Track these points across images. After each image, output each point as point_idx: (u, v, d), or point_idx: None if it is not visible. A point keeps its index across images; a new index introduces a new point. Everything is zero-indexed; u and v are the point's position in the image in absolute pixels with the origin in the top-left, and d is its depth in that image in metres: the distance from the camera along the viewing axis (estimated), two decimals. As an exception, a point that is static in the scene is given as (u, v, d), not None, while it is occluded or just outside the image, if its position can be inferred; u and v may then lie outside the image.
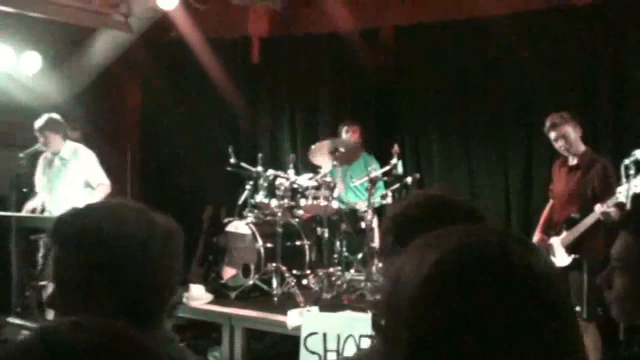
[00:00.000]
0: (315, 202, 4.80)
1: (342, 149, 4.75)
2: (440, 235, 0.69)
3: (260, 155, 5.15)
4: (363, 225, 4.84)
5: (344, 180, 5.32)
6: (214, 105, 6.50)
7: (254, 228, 4.97)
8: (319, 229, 4.98)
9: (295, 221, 5.18)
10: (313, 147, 4.86)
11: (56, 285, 1.07)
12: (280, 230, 4.76)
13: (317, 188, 4.83)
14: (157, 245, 1.06)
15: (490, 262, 0.64)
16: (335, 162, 4.84)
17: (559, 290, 0.65)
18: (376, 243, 4.95)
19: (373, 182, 4.70)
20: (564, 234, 3.80)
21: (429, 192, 1.23)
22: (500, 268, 0.63)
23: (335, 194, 4.89)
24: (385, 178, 4.93)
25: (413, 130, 5.88)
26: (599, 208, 3.54)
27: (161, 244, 1.07)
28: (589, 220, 3.59)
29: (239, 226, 5.08)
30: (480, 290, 0.62)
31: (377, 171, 4.80)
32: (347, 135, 5.38)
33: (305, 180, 4.93)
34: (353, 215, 5.09)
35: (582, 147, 3.85)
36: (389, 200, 4.95)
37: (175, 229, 1.11)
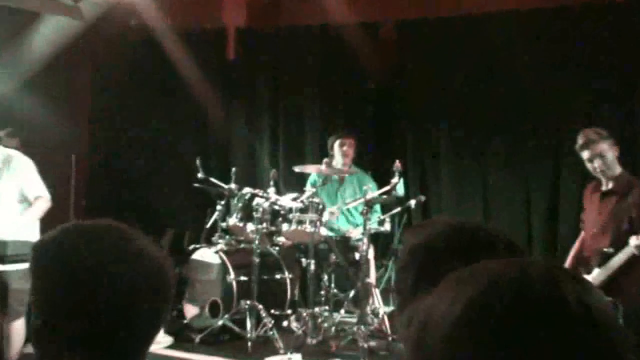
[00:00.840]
0: (300, 227, 4.80)
1: (334, 177, 4.85)
2: (477, 269, 0.69)
3: (234, 169, 5.15)
4: (357, 256, 4.84)
5: (333, 201, 5.37)
6: (181, 108, 6.57)
7: (224, 257, 4.96)
8: (303, 260, 4.99)
9: (275, 250, 5.19)
10: (297, 168, 4.93)
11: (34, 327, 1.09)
12: (257, 260, 4.75)
13: (303, 211, 4.81)
14: (147, 288, 1.07)
15: (539, 300, 0.64)
16: (322, 180, 4.94)
17: (623, 339, 0.64)
18: (372, 278, 5.06)
19: (369, 204, 4.68)
20: (596, 271, 3.76)
21: (455, 220, 1.21)
22: (550, 308, 0.63)
23: (325, 218, 4.89)
24: (384, 200, 4.91)
25: (418, 143, 5.92)
26: (634, 241, 3.54)
27: (152, 286, 1.08)
28: (623, 256, 3.58)
29: (207, 254, 5.07)
30: (528, 334, 0.62)
31: (374, 192, 4.82)
32: (341, 150, 5.40)
33: (288, 200, 4.93)
34: (345, 244, 5.09)
35: (618, 170, 3.83)
36: (387, 227, 4.97)
37: (168, 263, 1.12)
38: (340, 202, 5.34)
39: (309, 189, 5.06)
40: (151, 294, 1.08)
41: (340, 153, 5.34)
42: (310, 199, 4.86)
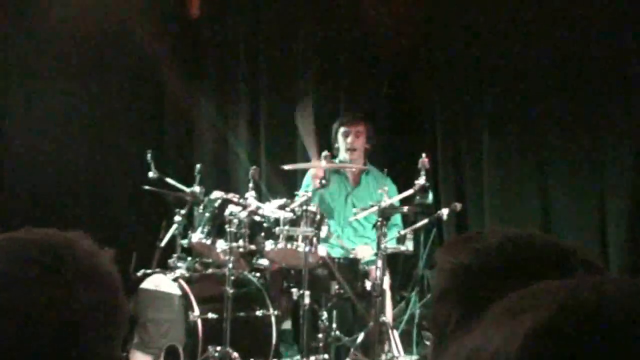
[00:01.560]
0: (289, 246, 4.72)
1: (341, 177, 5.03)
2: (536, 293, 0.74)
3: (198, 167, 5.17)
4: (368, 285, 4.80)
5: (343, 211, 5.40)
6: (123, 84, 6.56)
7: (186, 287, 4.86)
8: (294, 291, 4.86)
9: (255, 277, 5.13)
10: (286, 167, 5.02)
11: None
12: (230, 291, 4.65)
13: (294, 223, 4.72)
14: (95, 324, 1.11)
15: (619, 331, 0.68)
16: (320, 181, 4.89)
17: None
18: (388, 315, 5.00)
19: (385, 215, 4.67)
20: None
21: (513, 231, 1.23)
22: (632, 341, 0.68)
23: (324, 233, 4.81)
24: (405, 209, 4.90)
25: (451, 132, 5.86)
26: None
27: (101, 322, 1.12)
28: None
29: (162, 283, 4.98)
30: None
31: (392, 198, 4.85)
32: (345, 142, 5.43)
33: (273, 209, 4.86)
34: (351, 268, 5.01)
35: None
36: (408, 245, 4.91)
37: (122, 296, 1.19)
38: (345, 211, 5.41)
39: (302, 194, 4.85)
40: (98, 336, 1.12)
41: (344, 146, 5.41)
42: (304, 207, 4.70)
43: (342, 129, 5.43)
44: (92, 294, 1.13)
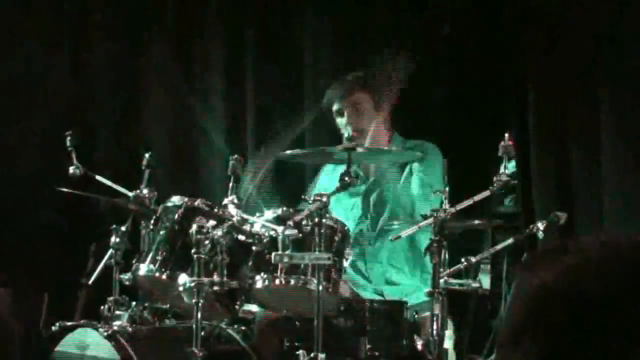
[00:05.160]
0: (293, 281, 4.71)
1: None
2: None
3: (147, 156, 5.28)
4: (419, 344, 4.77)
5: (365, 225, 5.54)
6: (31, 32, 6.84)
7: (129, 349, 4.83)
8: (301, 354, 4.66)
9: (238, 332, 5.12)
10: (287, 152, 5.22)
11: None
12: (199, 355, 4.61)
13: (301, 244, 4.66)
14: None
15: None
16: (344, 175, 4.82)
17: None
18: None
19: (445, 232, 4.63)
20: None
21: (625, 238, 1.36)
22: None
23: (348, 261, 4.92)
24: (478, 222, 5.08)
25: (552, 103, 5.84)
26: None
27: None
28: None
29: (90, 343, 4.97)
30: None
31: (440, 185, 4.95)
32: (343, 121, 5.61)
33: (267, 223, 4.83)
34: (393, 316, 4.95)
35: None
36: (483, 280, 4.93)
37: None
38: (353, 223, 5.47)
39: (315, 198, 4.82)
40: None
41: (345, 131, 5.60)
42: (318, 220, 4.63)
43: (334, 107, 5.61)
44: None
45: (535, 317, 1.27)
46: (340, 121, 5.61)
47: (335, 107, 5.64)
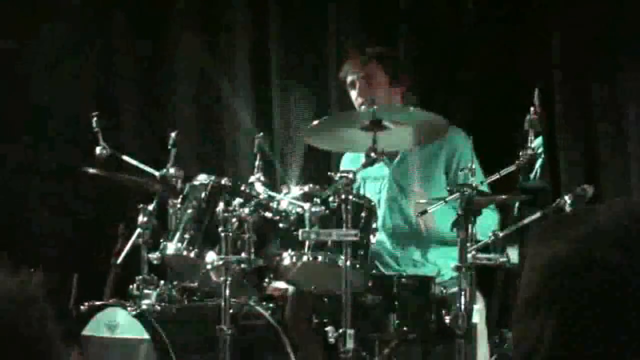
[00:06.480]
0: (320, 258, 4.74)
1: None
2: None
3: (173, 136, 5.24)
4: (447, 320, 4.70)
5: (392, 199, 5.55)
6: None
7: (158, 327, 4.87)
8: (330, 330, 4.64)
9: (267, 309, 5.21)
10: (315, 123, 5.10)
11: None
12: (227, 333, 4.63)
13: (328, 221, 4.69)
14: None
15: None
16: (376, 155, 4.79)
17: None
18: None
19: (471, 206, 4.64)
20: None
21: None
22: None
23: (375, 237, 4.91)
24: (505, 197, 5.01)
25: (580, 71, 5.77)
26: None
27: None
28: None
29: (120, 321, 5.02)
30: None
31: (479, 179, 4.84)
32: (354, 94, 5.56)
33: (294, 200, 4.88)
34: (421, 292, 4.99)
35: None
36: (511, 255, 4.83)
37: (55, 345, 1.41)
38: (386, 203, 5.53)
39: (341, 175, 4.82)
40: None
41: (355, 103, 5.58)
42: (345, 196, 4.62)
43: (347, 79, 5.59)
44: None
45: (549, 288, 1.28)
46: (353, 94, 5.60)
47: (349, 79, 5.62)
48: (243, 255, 4.69)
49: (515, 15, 6.37)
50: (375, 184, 5.56)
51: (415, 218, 5.43)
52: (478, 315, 4.76)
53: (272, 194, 4.90)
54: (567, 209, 4.68)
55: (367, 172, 5.35)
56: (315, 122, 5.11)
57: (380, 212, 5.39)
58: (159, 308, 4.93)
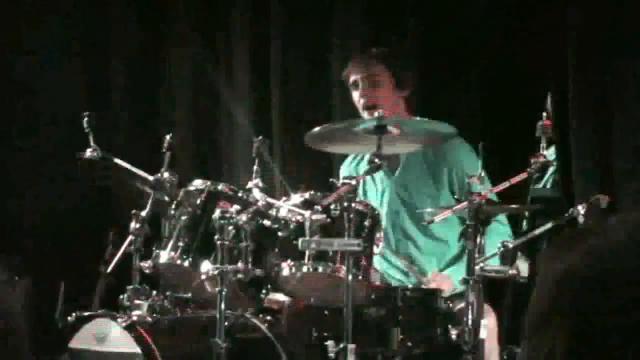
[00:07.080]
0: (321, 269, 4.69)
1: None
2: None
3: (168, 139, 5.23)
4: (453, 335, 4.72)
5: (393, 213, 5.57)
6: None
7: (149, 340, 4.82)
8: (330, 344, 4.57)
9: (264, 322, 5.15)
10: (316, 129, 5.06)
11: None
12: (221, 347, 4.61)
13: (329, 230, 4.64)
14: None
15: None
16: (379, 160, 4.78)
17: None
18: None
19: (481, 217, 4.63)
20: None
21: None
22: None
23: (379, 247, 4.87)
24: (515, 207, 4.96)
25: (596, 69, 5.73)
26: None
27: None
28: None
29: (108, 333, 4.98)
30: None
31: (486, 187, 4.84)
32: (357, 95, 5.56)
33: (294, 207, 4.82)
34: (426, 305, 4.96)
35: None
36: (521, 266, 4.77)
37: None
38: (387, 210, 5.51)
39: (344, 181, 4.78)
40: None
41: (358, 105, 5.58)
42: (347, 203, 4.57)
43: (350, 79, 5.58)
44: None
45: (561, 301, 1.30)
46: (356, 94, 5.59)
47: (352, 79, 5.62)
48: (240, 265, 4.67)
49: (528, 18, 6.37)
50: (376, 196, 5.57)
51: (417, 234, 5.48)
52: (486, 331, 4.70)
53: (271, 200, 4.84)
54: (581, 219, 4.64)
55: (367, 183, 5.52)
56: (317, 129, 5.08)
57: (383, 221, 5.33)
58: (150, 320, 4.86)
